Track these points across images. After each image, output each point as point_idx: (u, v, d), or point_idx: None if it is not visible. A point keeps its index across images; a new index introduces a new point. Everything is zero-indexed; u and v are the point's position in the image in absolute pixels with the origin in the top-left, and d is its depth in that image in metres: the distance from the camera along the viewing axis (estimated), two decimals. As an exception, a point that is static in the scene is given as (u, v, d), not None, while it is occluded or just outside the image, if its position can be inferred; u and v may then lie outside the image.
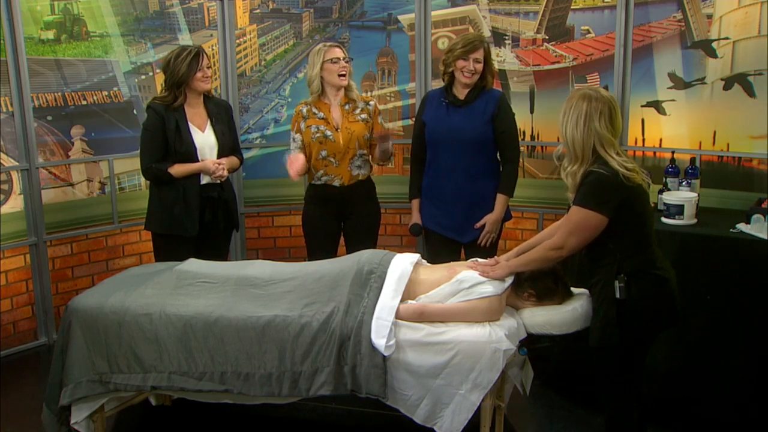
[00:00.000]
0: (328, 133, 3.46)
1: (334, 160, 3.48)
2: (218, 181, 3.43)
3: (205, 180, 3.42)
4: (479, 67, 3.27)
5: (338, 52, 3.44)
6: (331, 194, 3.52)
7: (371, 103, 3.59)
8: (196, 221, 3.39)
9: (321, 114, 3.49)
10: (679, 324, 2.50)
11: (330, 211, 3.56)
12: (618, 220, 2.35)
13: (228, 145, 3.50)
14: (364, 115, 3.52)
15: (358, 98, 3.55)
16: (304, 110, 3.52)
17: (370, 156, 3.58)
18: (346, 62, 3.45)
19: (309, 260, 3.49)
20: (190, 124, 3.38)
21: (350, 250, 3.55)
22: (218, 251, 3.52)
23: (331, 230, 3.60)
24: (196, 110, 3.43)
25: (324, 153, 3.48)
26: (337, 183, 3.50)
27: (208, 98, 3.48)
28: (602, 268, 2.42)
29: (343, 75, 3.44)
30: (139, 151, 3.42)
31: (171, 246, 3.39)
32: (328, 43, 3.50)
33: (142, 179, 4.33)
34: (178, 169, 3.34)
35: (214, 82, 4.53)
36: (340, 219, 3.60)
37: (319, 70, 3.44)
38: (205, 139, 3.42)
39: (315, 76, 3.46)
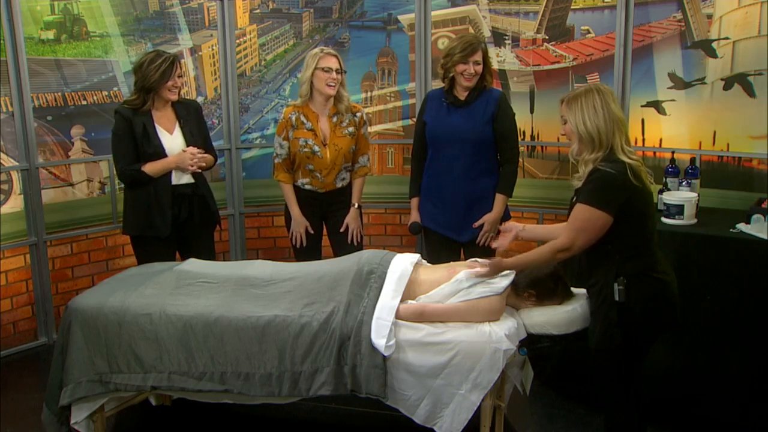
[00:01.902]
0: (316, 148, 3.47)
1: (320, 175, 3.51)
2: (191, 179, 3.39)
3: (176, 179, 3.38)
4: (479, 69, 3.27)
5: (332, 62, 3.41)
6: (314, 197, 3.58)
7: (358, 114, 3.57)
8: (169, 221, 3.34)
9: (309, 125, 3.48)
10: (677, 328, 2.50)
11: (312, 212, 3.60)
12: (618, 222, 2.34)
13: (198, 145, 3.44)
14: (351, 128, 3.52)
15: (347, 110, 3.52)
16: (293, 118, 3.50)
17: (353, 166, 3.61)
18: (338, 74, 3.43)
19: (295, 260, 3.54)
20: (157, 127, 3.35)
21: (335, 249, 3.63)
22: (201, 250, 3.43)
23: (314, 231, 3.62)
24: (164, 113, 3.40)
25: (310, 167, 3.51)
26: (320, 191, 3.56)
27: (176, 101, 3.43)
28: (601, 270, 2.42)
29: (332, 85, 3.43)
30: (112, 156, 3.41)
31: (148, 248, 3.36)
32: (326, 50, 3.48)
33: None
34: (152, 167, 3.31)
35: (214, 82, 4.53)
36: (322, 219, 3.64)
37: (310, 75, 3.43)
38: (173, 140, 3.38)
39: (306, 80, 3.46)
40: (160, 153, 3.33)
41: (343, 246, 3.55)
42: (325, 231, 3.70)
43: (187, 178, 3.40)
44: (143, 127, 3.30)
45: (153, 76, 3.26)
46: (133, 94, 3.36)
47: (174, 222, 3.37)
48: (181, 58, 3.42)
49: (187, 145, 3.40)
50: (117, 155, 3.36)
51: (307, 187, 3.55)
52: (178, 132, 3.42)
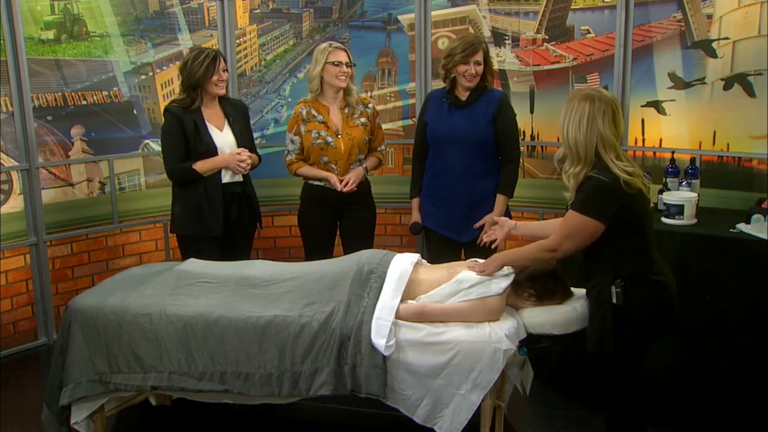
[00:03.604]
0: (330, 139, 3.46)
1: (336, 166, 3.49)
2: (240, 177, 3.43)
3: (226, 178, 3.41)
4: (480, 69, 3.27)
5: (342, 56, 3.43)
6: (328, 196, 3.52)
7: (369, 105, 3.59)
8: (221, 220, 3.38)
9: (320, 117, 3.48)
10: (678, 331, 2.49)
11: (327, 212, 3.57)
12: (615, 226, 2.33)
13: (247, 145, 3.49)
14: (363, 119, 3.53)
15: (357, 102, 3.54)
16: (304, 112, 3.51)
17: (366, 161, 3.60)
18: (348, 67, 3.45)
19: (307, 260, 3.51)
20: (208, 124, 3.39)
21: (347, 249, 3.58)
22: (243, 249, 3.51)
23: (328, 230, 3.62)
24: (213, 111, 3.43)
25: (325, 159, 3.49)
26: (335, 189, 3.51)
27: (223, 99, 3.48)
28: (599, 272, 2.41)
29: (342, 78, 3.43)
30: (161, 155, 3.45)
31: (197, 246, 3.36)
32: (335, 44, 3.49)
33: (143, 179, 4.34)
34: (202, 166, 3.34)
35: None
36: (336, 219, 3.62)
37: (320, 70, 3.44)
38: (224, 138, 3.42)
39: (316, 75, 3.46)
40: (212, 151, 3.36)
41: (355, 248, 3.50)
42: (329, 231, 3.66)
43: (236, 177, 3.44)
44: (194, 124, 3.33)
45: (198, 72, 3.30)
46: (181, 93, 3.39)
47: (225, 221, 3.39)
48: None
49: (237, 142, 3.44)
50: (167, 153, 3.39)
51: (323, 182, 3.51)
52: (227, 129, 3.45)
